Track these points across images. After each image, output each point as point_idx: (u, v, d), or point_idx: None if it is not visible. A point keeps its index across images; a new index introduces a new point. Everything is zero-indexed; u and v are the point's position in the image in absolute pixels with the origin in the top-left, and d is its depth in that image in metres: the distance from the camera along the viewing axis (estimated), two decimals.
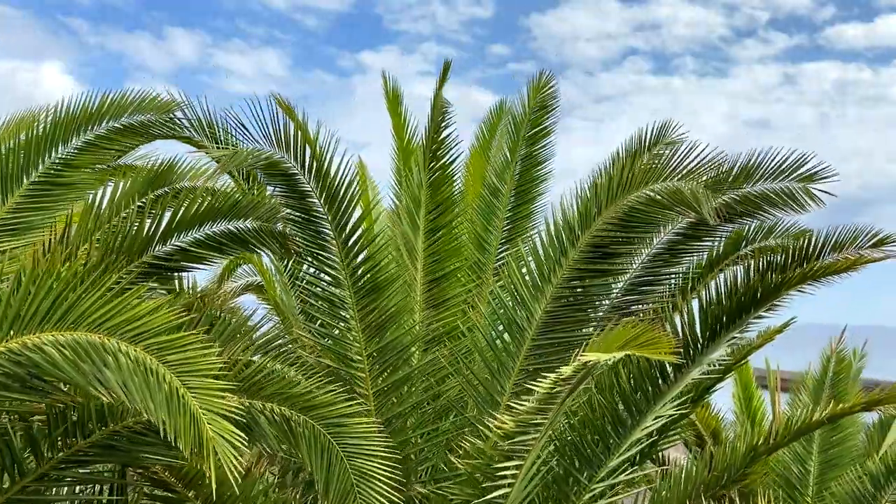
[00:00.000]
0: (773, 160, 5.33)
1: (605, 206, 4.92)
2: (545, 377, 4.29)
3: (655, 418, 5.56)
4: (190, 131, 4.89)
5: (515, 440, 4.31)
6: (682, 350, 5.30)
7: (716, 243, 6.04)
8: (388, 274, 5.05)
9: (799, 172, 5.29)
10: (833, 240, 5.87)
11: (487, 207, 6.46)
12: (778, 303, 5.97)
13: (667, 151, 6.56)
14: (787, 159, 5.31)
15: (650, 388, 5.33)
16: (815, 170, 5.28)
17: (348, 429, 3.93)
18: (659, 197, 4.71)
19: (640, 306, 5.98)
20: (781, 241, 6.09)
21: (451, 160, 5.48)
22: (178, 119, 4.81)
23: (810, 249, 5.92)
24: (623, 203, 4.84)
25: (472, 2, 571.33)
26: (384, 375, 5.27)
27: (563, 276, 5.18)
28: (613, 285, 5.80)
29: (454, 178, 5.61)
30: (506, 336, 5.43)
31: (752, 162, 5.38)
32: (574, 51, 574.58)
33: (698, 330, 5.19)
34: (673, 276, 5.83)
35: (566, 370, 3.88)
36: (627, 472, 5.71)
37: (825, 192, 5.35)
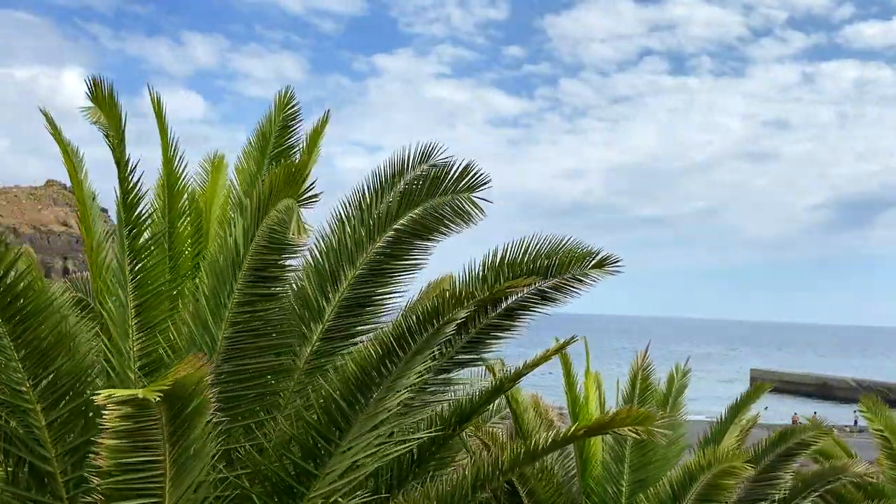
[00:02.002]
0: (446, 172, 5.15)
1: (256, 229, 4.73)
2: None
3: (365, 447, 5.42)
4: None
5: (118, 479, 4.13)
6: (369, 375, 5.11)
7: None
8: (42, 299, 4.85)
9: (464, 183, 5.13)
10: (557, 261, 5.71)
11: (231, 226, 6.25)
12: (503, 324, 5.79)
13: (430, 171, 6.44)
14: (455, 171, 5.14)
15: (340, 420, 5.13)
16: (475, 180, 5.12)
17: None
18: (282, 217, 4.51)
19: (362, 327, 5.79)
20: (562, 258, 5.91)
21: (135, 182, 5.26)
22: None
23: (537, 268, 5.75)
24: (265, 226, 4.66)
25: (487, 3, 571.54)
26: (61, 404, 5.06)
27: (236, 300, 4.99)
28: (327, 308, 5.62)
29: (142, 198, 5.39)
30: None
31: (433, 175, 5.21)
32: (589, 51, 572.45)
33: (376, 358, 4.95)
34: (385, 297, 5.62)
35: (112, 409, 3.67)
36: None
37: (484, 199, 5.24)
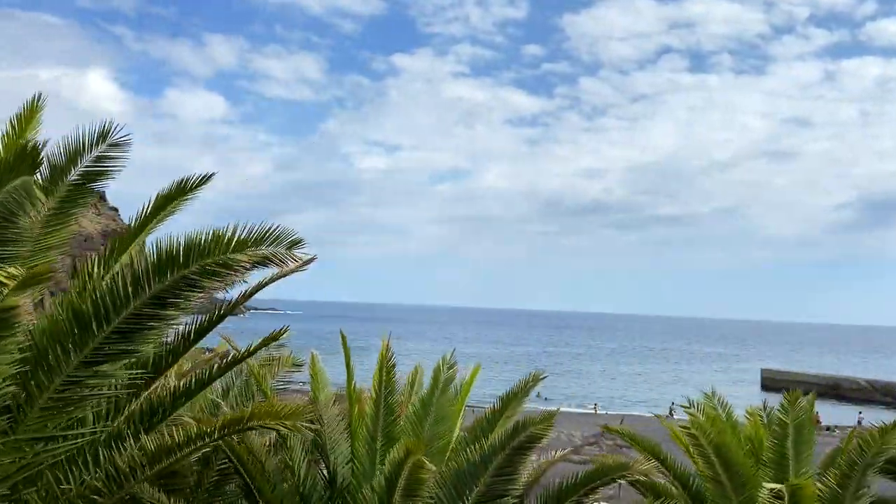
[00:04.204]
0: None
1: None
2: None
3: None
4: None
5: None
6: None
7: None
8: None
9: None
10: (198, 249, 5.56)
11: None
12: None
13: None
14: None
15: None
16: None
17: None
18: None
19: None
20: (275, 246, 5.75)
21: None
22: None
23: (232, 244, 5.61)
24: None
25: (506, 2, 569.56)
26: None
27: None
28: None
29: None
30: None
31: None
32: (608, 50, 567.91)
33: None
34: None
35: None
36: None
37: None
